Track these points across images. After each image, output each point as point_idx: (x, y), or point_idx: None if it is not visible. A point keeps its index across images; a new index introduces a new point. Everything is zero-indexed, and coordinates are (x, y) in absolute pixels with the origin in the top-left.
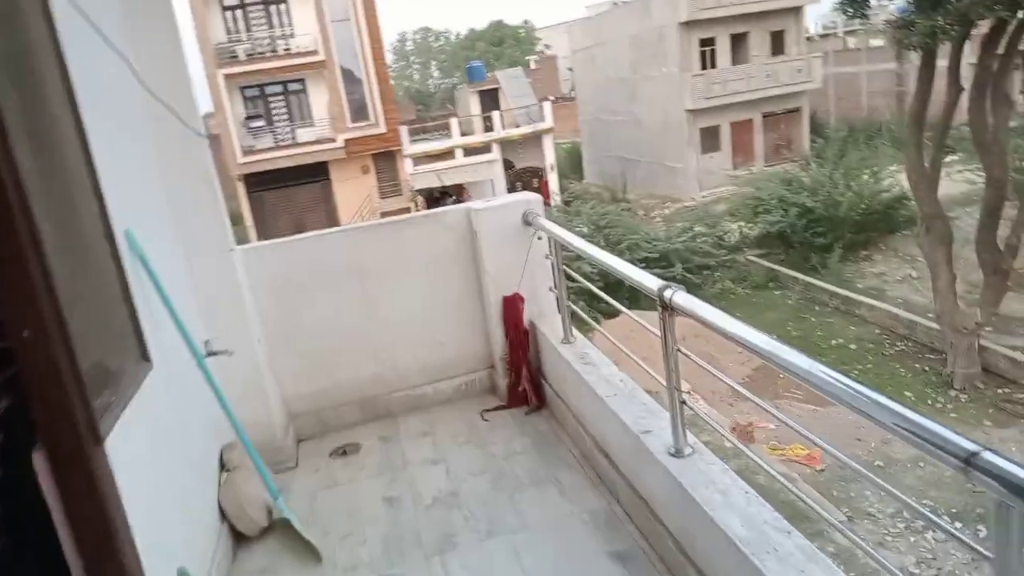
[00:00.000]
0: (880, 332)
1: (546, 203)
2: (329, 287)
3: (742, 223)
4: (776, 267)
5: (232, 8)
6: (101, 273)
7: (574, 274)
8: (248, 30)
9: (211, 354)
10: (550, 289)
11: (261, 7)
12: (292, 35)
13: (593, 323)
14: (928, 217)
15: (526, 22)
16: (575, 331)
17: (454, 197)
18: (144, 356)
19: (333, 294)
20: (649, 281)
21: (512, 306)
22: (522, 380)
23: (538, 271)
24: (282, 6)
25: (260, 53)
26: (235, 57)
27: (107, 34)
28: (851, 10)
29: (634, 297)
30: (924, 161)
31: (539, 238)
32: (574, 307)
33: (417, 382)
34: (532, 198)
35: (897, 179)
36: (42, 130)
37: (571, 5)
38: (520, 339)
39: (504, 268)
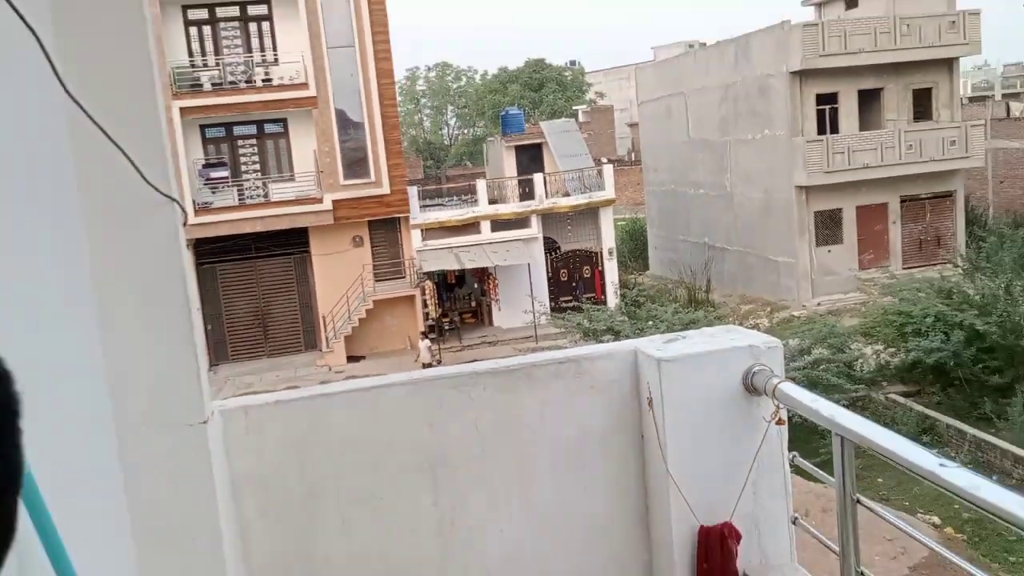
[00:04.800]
0: None
1: (599, 301)
2: (375, 493)
3: (880, 347)
4: (931, 413)
5: (199, 23)
6: None
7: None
8: (217, 52)
9: None
10: (795, 522)
11: (237, 24)
12: (275, 62)
13: None
14: None
15: (573, 63)
16: None
17: (477, 287)
18: None
19: (380, 507)
20: (925, 460)
21: (718, 546)
22: None
23: (769, 483)
24: (264, 24)
25: (231, 83)
26: (198, 86)
27: None
28: None
29: None
30: None
31: (780, 422)
32: None
33: None
34: (761, 342)
35: None
36: None
37: (632, 46)
38: None
39: (704, 474)
